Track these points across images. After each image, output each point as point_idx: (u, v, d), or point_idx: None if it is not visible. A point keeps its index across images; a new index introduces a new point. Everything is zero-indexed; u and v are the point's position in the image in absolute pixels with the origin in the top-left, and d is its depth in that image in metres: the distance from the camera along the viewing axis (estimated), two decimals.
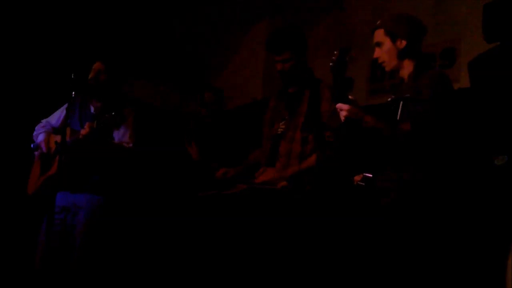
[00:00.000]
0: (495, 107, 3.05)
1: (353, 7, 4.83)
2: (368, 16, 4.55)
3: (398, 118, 2.47)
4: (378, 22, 2.68)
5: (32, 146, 3.59)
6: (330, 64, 2.37)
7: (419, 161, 2.42)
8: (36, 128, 3.63)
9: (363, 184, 2.52)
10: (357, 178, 2.56)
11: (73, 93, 3.05)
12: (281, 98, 3.36)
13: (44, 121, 3.66)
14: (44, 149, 3.48)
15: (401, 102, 2.48)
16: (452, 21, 4.12)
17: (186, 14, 5.52)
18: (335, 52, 2.37)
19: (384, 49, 2.63)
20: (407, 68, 2.63)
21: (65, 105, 3.53)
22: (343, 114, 2.44)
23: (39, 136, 3.56)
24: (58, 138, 3.29)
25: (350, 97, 2.42)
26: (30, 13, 4.65)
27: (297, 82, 3.23)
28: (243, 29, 5.60)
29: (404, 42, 2.60)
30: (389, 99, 2.62)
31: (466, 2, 4.01)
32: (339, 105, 2.44)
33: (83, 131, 3.28)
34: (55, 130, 3.60)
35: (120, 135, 3.48)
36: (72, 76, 3.04)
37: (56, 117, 3.64)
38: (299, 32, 3.26)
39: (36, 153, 3.58)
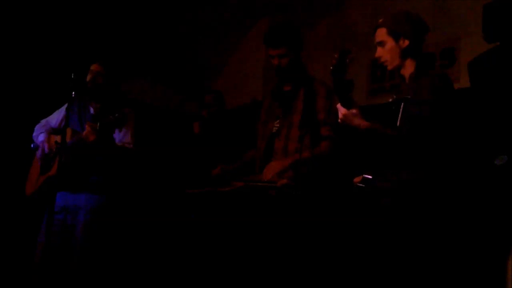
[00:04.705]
0: (495, 107, 3.05)
1: (353, 7, 4.83)
2: (368, 16, 4.55)
3: (399, 119, 2.47)
4: (380, 20, 2.64)
5: (32, 146, 3.58)
6: (331, 67, 2.35)
7: (418, 162, 2.42)
8: (36, 128, 3.62)
9: (363, 185, 2.52)
10: (357, 179, 2.56)
11: (73, 93, 3.05)
12: (275, 97, 3.36)
13: (43, 121, 3.65)
14: (46, 149, 3.48)
15: (402, 103, 2.47)
16: (452, 21, 4.13)
17: (186, 14, 5.52)
18: (335, 56, 2.35)
19: (387, 48, 2.59)
20: (409, 67, 2.61)
21: (64, 106, 3.52)
22: (339, 117, 2.45)
23: (40, 136, 3.55)
24: (58, 138, 3.28)
25: (350, 98, 2.41)
26: (30, 13, 4.65)
27: (292, 80, 3.23)
28: (243, 29, 5.60)
29: (406, 42, 2.56)
30: (390, 100, 2.61)
31: (466, 2, 4.01)
32: (338, 107, 2.45)
33: (85, 132, 3.27)
34: (54, 131, 3.59)
35: (121, 136, 3.47)
36: (72, 76, 3.05)
37: (55, 118, 3.63)
38: (296, 30, 3.28)
39: (37, 153, 3.58)
